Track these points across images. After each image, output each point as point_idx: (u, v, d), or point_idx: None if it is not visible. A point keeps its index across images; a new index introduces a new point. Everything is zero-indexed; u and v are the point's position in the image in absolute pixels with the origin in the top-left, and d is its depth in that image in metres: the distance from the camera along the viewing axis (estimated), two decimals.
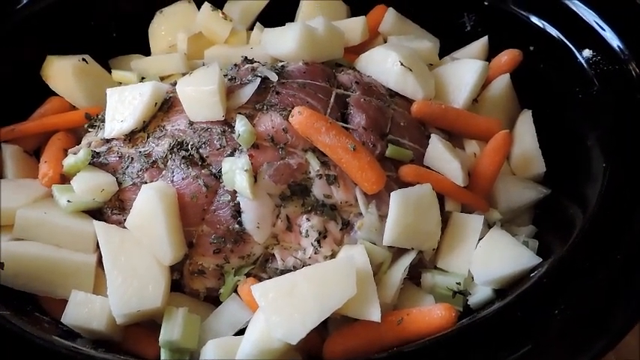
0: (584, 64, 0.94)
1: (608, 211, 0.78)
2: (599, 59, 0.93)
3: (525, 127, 0.99)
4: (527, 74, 1.03)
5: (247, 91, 0.87)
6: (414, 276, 0.85)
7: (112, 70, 1.07)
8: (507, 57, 1.03)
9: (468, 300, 0.82)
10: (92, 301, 0.79)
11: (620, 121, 0.87)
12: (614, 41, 0.93)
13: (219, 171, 0.82)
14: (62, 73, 1.00)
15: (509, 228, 0.92)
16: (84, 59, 1.03)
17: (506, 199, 0.93)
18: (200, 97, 0.84)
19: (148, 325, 0.82)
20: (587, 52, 0.94)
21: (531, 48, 1.03)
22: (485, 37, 1.08)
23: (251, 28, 1.11)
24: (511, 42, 1.04)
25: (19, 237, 0.83)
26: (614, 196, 0.79)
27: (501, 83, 1.02)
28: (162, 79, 1.05)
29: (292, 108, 0.83)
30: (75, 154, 0.89)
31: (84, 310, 0.79)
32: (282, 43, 0.97)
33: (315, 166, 0.82)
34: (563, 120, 0.98)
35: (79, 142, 0.95)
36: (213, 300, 0.86)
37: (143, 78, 1.05)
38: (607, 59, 0.92)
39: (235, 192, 0.81)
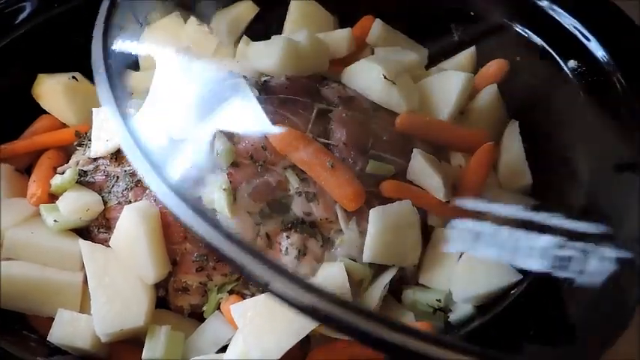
0: (570, 75, 0.93)
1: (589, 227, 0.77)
2: (584, 70, 0.92)
3: (512, 138, 0.99)
4: (514, 85, 1.02)
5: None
6: (396, 292, 0.85)
7: None
8: (494, 67, 1.03)
9: (448, 317, 0.82)
10: (77, 319, 0.81)
11: (605, 135, 0.86)
12: (599, 52, 0.91)
13: None
14: (52, 91, 1.01)
15: None
16: (74, 77, 1.04)
17: (492, 212, 0.93)
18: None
19: (135, 342, 0.84)
20: (572, 63, 0.93)
21: (518, 58, 1.02)
22: (473, 48, 1.07)
23: (239, 41, 1.12)
24: (499, 52, 1.03)
25: (7, 257, 0.85)
26: (596, 211, 0.79)
27: (489, 94, 1.02)
28: None
29: (272, 125, 0.84)
30: (62, 173, 0.91)
31: (69, 329, 0.80)
32: (266, 57, 0.97)
33: (294, 183, 0.83)
34: (550, 131, 0.97)
35: (69, 160, 0.96)
36: (198, 316, 0.87)
37: (132, 94, 1.06)
38: (592, 71, 0.91)
39: (215, 210, 0.82)
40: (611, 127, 0.88)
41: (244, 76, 0.97)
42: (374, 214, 0.80)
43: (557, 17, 0.96)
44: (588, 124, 0.90)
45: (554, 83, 0.97)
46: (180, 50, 1.06)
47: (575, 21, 0.94)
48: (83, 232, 0.88)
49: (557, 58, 0.95)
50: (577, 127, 0.92)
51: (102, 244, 0.85)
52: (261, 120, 0.87)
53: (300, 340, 0.73)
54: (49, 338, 0.80)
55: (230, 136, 0.85)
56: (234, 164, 0.83)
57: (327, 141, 0.87)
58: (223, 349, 0.80)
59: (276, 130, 0.82)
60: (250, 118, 0.88)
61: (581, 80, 0.92)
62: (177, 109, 0.85)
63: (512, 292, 0.78)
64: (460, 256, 0.84)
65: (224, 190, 0.80)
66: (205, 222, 0.57)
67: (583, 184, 0.83)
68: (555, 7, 0.97)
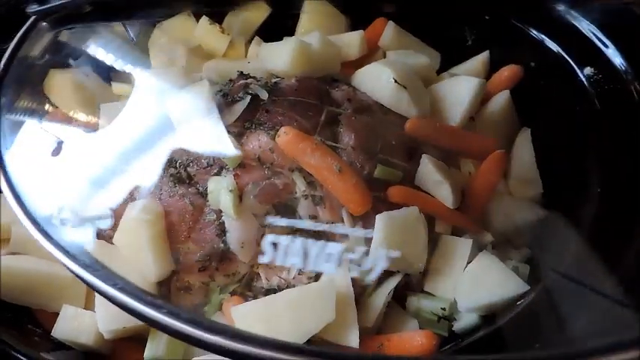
0: (585, 82, 0.92)
1: (598, 241, 0.75)
2: (600, 78, 0.90)
3: (523, 146, 0.97)
4: (528, 91, 1.00)
5: (237, 109, 0.87)
6: (401, 298, 0.84)
7: (112, 83, 1.09)
8: (508, 73, 1.01)
9: (452, 325, 0.81)
10: (82, 315, 0.81)
11: (619, 146, 0.84)
12: (617, 59, 0.89)
13: (206, 189, 0.83)
14: (62, 86, 1.02)
15: (503, 250, 0.90)
16: (85, 73, 1.05)
17: (501, 221, 0.91)
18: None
19: (138, 339, 0.84)
20: (588, 70, 0.91)
21: (532, 64, 1.00)
22: (486, 52, 1.06)
23: (251, 42, 1.11)
24: (513, 57, 1.02)
25: (14, 251, 0.86)
26: (606, 224, 0.77)
27: (501, 100, 1.00)
28: None
29: (281, 127, 0.83)
30: None
31: (73, 325, 0.81)
32: (277, 58, 0.97)
33: (301, 186, 0.82)
34: (563, 139, 0.95)
35: None
36: None
37: None
38: (609, 78, 0.89)
39: (221, 211, 0.82)
40: (627, 137, 0.86)
41: (254, 77, 0.96)
42: (380, 219, 0.79)
43: (574, 22, 0.94)
44: (603, 134, 0.88)
45: (569, 90, 0.95)
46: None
47: (593, 26, 0.92)
48: None
49: (573, 64, 0.93)
50: (591, 136, 0.90)
51: (107, 241, 0.85)
52: (271, 121, 0.86)
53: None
54: (53, 333, 0.81)
55: (238, 138, 0.85)
56: (241, 165, 0.83)
57: (335, 144, 0.86)
58: (224, 354, 0.80)
59: (283, 133, 0.81)
60: (259, 120, 0.87)
61: (597, 88, 0.90)
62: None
63: (518, 303, 0.76)
64: (466, 265, 0.82)
65: (230, 191, 0.80)
66: None
67: (593, 199, 0.82)
68: (573, 12, 0.95)
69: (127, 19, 1.05)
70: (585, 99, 0.91)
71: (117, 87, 1.07)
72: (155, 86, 1.01)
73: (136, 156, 0.87)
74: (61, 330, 0.80)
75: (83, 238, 0.80)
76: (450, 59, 1.09)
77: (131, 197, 0.86)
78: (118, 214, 0.86)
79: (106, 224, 0.82)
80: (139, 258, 0.81)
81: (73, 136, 0.94)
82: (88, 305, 0.83)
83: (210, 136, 0.85)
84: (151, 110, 0.91)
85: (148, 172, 0.86)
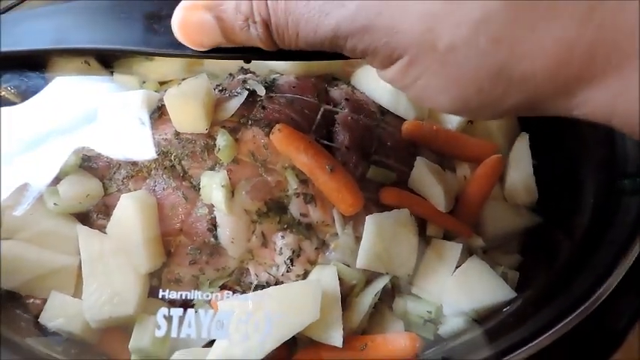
0: None
1: (586, 253, 0.75)
2: None
3: (521, 151, 0.97)
4: None
5: (233, 105, 0.87)
6: (388, 300, 0.84)
7: (114, 73, 1.09)
8: None
9: (438, 329, 0.81)
10: (69, 303, 0.82)
11: (611, 156, 0.83)
12: None
13: (199, 184, 0.83)
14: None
15: (494, 255, 0.90)
16: (86, 62, 1.05)
17: (494, 226, 0.91)
18: (185, 108, 0.85)
19: (126, 329, 0.84)
20: None
21: None
22: None
23: None
24: None
25: (5, 237, 0.86)
26: (597, 236, 0.76)
27: None
28: (162, 84, 1.07)
29: (276, 124, 0.83)
30: None
31: (61, 312, 0.81)
32: None
33: (293, 184, 0.82)
34: (561, 147, 0.95)
35: None
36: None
37: (144, 82, 1.07)
38: None
39: (213, 206, 0.82)
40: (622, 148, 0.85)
41: (253, 73, 0.96)
42: (370, 220, 0.79)
43: None
44: (600, 143, 0.87)
45: None
46: None
47: None
48: (84, 217, 0.89)
49: None
50: (590, 144, 0.90)
51: (100, 230, 0.86)
52: (266, 118, 0.86)
53: (286, 342, 0.73)
54: (40, 320, 0.81)
55: (233, 133, 0.85)
56: (235, 161, 0.83)
57: (329, 143, 0.87)
58: (211, 343, 0.80)
59: (277, 130, 0.81)
60: (255, 116, 0.87)
61: None
62: None
63: (504, 309, 0.76)
64: (455, 269, 0.82)
65: (223, 186, 0.80)
66: None
67: (586, 209, 0.81)
68: None
69: None
70: None
71: (118, 78, 1.07)
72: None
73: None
74: (48, 317, 0.81)
75: None
76: None
77: (126, 188, 0.87)
78: (111, 203, 0.87)
79: None
80: (131, 249, 0.81)
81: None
82: (77, 293, 0.84)
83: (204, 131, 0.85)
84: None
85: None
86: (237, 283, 0.85)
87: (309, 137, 0.83)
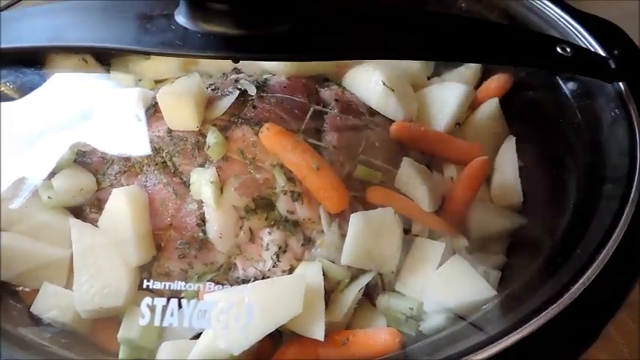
0: (569, 96, 0.93)
1: (563, 254, 0.76)
2: (580, 92, 0.91)
3: (507, 154, 0.98)
4: (517, 100, 1.02)
5: (225, 103, 0.89)
6: (372, 296, 0.86)
7: (111, 71, 1.11)
8: (497, 82, 1.03)
9: (419, 325, 0.82)
10: (61, 294, 0.84)
11: (594, 160, 0.85)
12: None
13: (189, 180, 0.85)
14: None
15: (479, 256, 0.91)
16: (84, 59, 1.08)
17: (479, 227, 0.93)
18: (177, 106, 0.87)
19: (117, 320, 0.87)
20: (571, 85, 0.92)
21: (522, 74, 1.02)
22: None
23: None
24: (505, 66, 1.03)
25: (2, 229, 0.88)
26: (575, 236, 0.78)
27: (489, 107, 1.02)
28: (157, 82, 1.09)
29: (265, 123, 0.85)
30: None
31: (52, 302, 0.83)
32: None
33: (280, 182, 0.84)
34: (546, 150, 0.97)
35: None
36: None
37: (140, 80, 1.09)
38: (587, 94, 0.90)
39: (202, 201, 0.84)
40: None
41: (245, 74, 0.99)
42: (354, 218, 0.81)
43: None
44: (581, 149, 0.89)
45: (554, 102, 0.96)
46: None
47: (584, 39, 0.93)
48: (77, 211, 0.91)
49: (558, 78, 0.94)
50: (570, 150, 0.91)
51: (92, 223, 0.88)
52: (257, 117, 0.88)
53: (272, 335, 0.75)
54: (32, 309, 0.83)
55: (224, 131, 0.87)
56: (225, 158, 0.85)
57: (317, 142, 0.88)
58: (198, 336, 0.82)
59: (266, 129, 0.83)
60: (246, 115, 0.89)
61: (579, 102, 0.91)
62: None
63: (483, 307, 0.78)
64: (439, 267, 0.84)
65: (212, 182, 0.82)
66: None
67: (567, 211, 0.83)
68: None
69: None
70: (568, 111, 0.92)
71: (115, 76, 1.10)
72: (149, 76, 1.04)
73: None
74: (40, 307, 0.83)
75: None
76: (444, 65, 1.11)
77: (118, 182, 0.89)
78: (104, 198, 0.89)
79: None
80: (122, 242, 0.84)
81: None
82: (69, 284, 0.86)
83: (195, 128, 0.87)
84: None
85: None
86: (225, 277, 0.87)
87: (297, 136, 0.85)
